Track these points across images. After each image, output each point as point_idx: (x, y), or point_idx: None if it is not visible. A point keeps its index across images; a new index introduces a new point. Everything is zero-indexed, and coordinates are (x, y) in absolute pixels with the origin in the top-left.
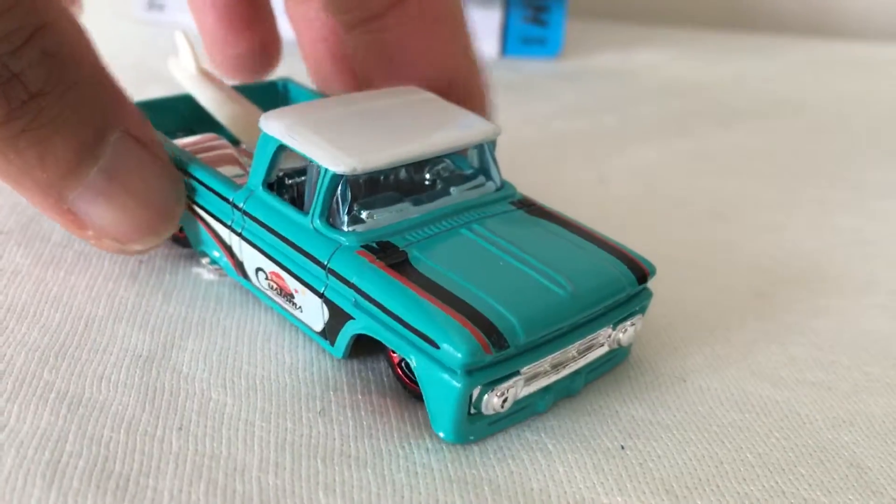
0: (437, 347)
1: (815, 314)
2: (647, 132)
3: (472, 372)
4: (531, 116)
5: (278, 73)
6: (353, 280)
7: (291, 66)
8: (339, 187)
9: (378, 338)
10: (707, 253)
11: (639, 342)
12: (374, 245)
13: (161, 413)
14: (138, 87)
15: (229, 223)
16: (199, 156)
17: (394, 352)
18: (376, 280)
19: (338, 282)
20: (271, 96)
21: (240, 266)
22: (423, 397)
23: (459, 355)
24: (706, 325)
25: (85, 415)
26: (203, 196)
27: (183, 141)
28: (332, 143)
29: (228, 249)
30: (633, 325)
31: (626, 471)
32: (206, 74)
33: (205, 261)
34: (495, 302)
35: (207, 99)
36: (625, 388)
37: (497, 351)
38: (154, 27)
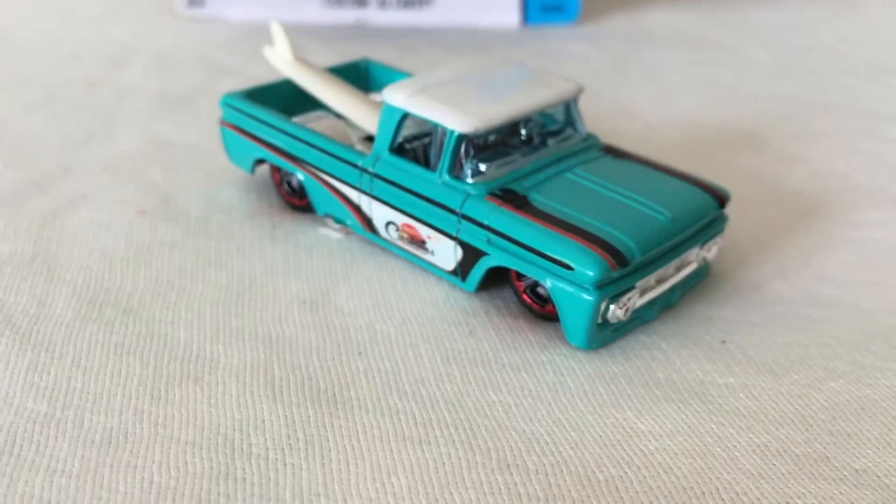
0: (571, 269)
1: (857, 226)
2: (671, 83)
3: (601, 287)
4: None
5: (351, 55)
6: (487, 222)
7: (352, 51)
8: (463, 145)
9: (514, 267)
10: (752, 181)
11: (716, 259)
12: (498, 192)
13: (340, 343)
14: (215, 80)
15: (358, 185)
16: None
17: (520, 280)
18: (508, 220)
19: (471, 225)
20: (356, 74)
21: (368, 222)
22: (558, 313)
23: (592, 273)
24: (767, 242)
25: (280, 348)
26: (330, 164)
27: (297, 119)
28: (453, 107)
29: (356, 209)
30: (715, 244)
31: (731, 359)
32: (301, 60)
33: (330, 222)
34: (611, 229)
35: (307, 82)
36: (713, 297)
37: (621, 268)
38: (199, 23)
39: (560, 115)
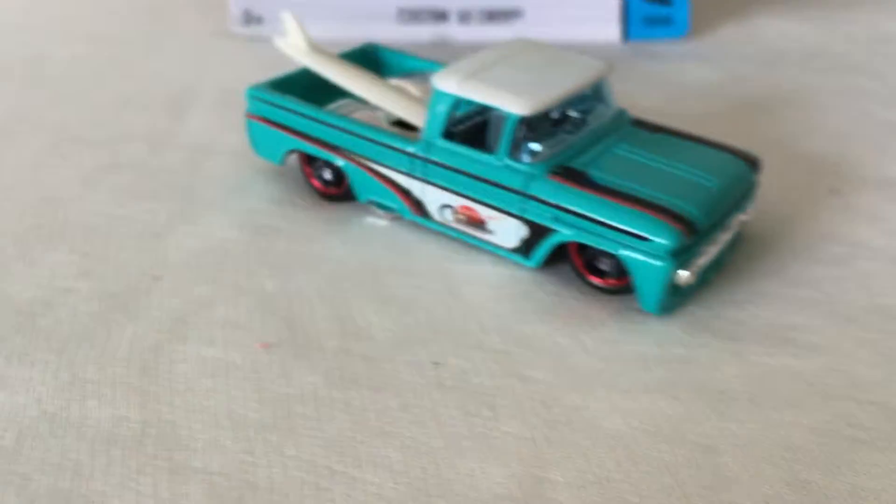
0: (646, 240)
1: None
2: (800, 113)
3: (674, 255)
4: (667, 103)
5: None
6: (554, 200)
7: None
8: (521, 127)
9: (586, 242)
10: None
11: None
12: (558, 170)
13: (421, 329)
14: None
15: (408, 171)
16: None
17: (580, 255)
18: (576, 196)
19: (537, 203)
20: (365, 60)
21: (419, 207)
22: (634, 283)
23: (668, 243)
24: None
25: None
26: (376, 151)
27: (330, 108)
28: (509, 90)
29: (406, 194)
30: (749, 209)
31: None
32: (316, 48)
33: (375, 210)
34: (674, 199)
35: (327, 69)
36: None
37: (692, 236)
38: (256, 43)
39: (592, 93)
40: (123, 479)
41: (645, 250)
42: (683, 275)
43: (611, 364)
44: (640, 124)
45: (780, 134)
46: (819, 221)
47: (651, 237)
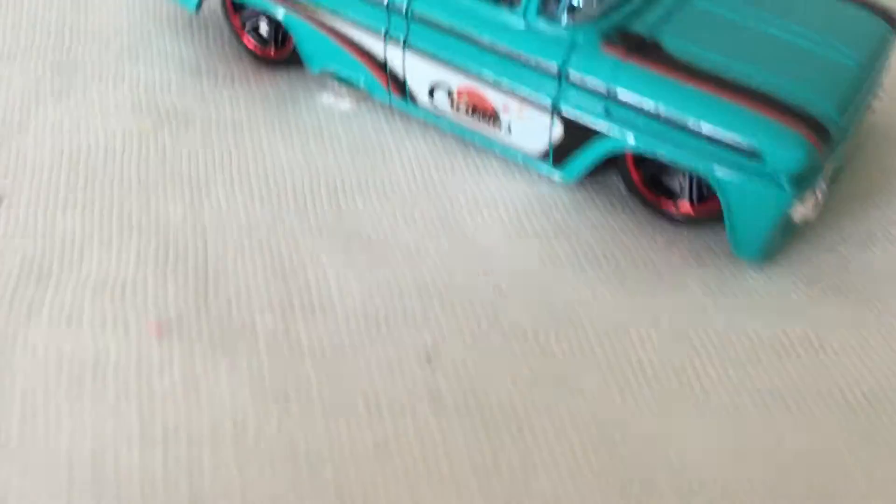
0: (758, 156)
1: None
2: None
3: (799, 179)
4: None
5: None
6: (610, 84)
7: None
8: None
9: (655, 154)
10: None
11: None
12: (615, 36)
13: (403, 291)
14: None
15: (384, 31)
16: None
17: (638, 168)
18: (645, 81)
19: (578, 90)
20: None
21: (399, 86)
22: (727, 217)
23: (795, 163)
24: None
25: None
26: (338, 1)
27: None
28: None
29: (380, 66)
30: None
31: None
32: None
33: (333, 84)
34: (797, 88)
35: None
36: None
37: (825, 147)
38: None
39: None
40: None
41: (754, 171)
42: (805, 208)
43: (702, 359)
44: None
45: None
46: None
47: (769, 153)
